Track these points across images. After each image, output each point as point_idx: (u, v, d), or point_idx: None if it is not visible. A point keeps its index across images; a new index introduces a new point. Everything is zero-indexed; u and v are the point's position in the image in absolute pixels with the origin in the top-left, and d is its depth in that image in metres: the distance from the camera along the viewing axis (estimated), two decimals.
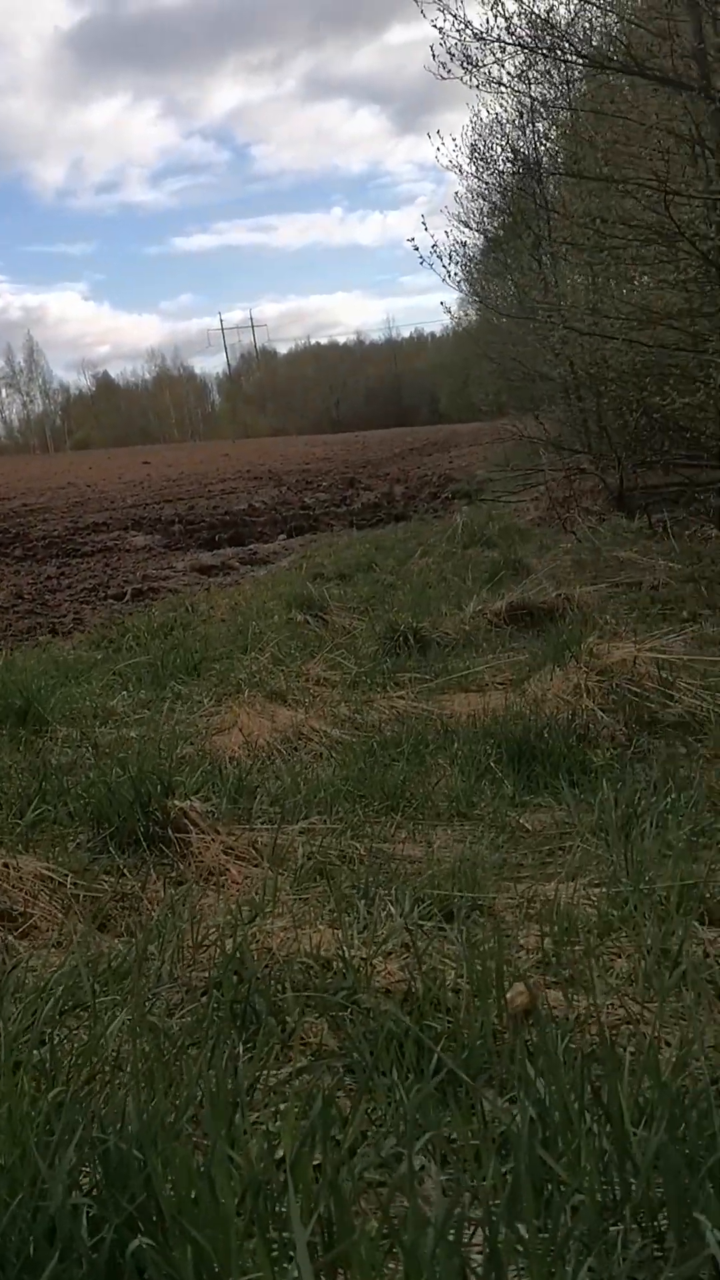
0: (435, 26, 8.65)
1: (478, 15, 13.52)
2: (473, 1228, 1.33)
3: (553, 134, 13.23)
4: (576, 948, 2.57)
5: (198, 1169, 1.35)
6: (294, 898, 2.94)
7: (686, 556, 9.44)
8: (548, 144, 13.68)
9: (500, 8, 8.05)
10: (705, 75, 9.10)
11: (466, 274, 16.74)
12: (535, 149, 14.28)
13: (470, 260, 19.11)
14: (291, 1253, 1.19)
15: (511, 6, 8.21)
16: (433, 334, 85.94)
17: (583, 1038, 2.16)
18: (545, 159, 13.72)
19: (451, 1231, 1.19)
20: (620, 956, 2.53)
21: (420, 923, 2.67)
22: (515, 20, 8.06)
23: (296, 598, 8.49)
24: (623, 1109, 1.56)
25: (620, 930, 2.65)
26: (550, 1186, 1.47)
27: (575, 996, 2.32)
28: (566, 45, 8.03)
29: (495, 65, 8.70)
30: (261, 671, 5.77)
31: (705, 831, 3.37)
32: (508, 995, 2.25)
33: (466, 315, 27.25)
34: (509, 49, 8.27)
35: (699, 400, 9.12)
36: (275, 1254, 1.22)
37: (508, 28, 7.97)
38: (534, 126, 13.81)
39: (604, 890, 2.90)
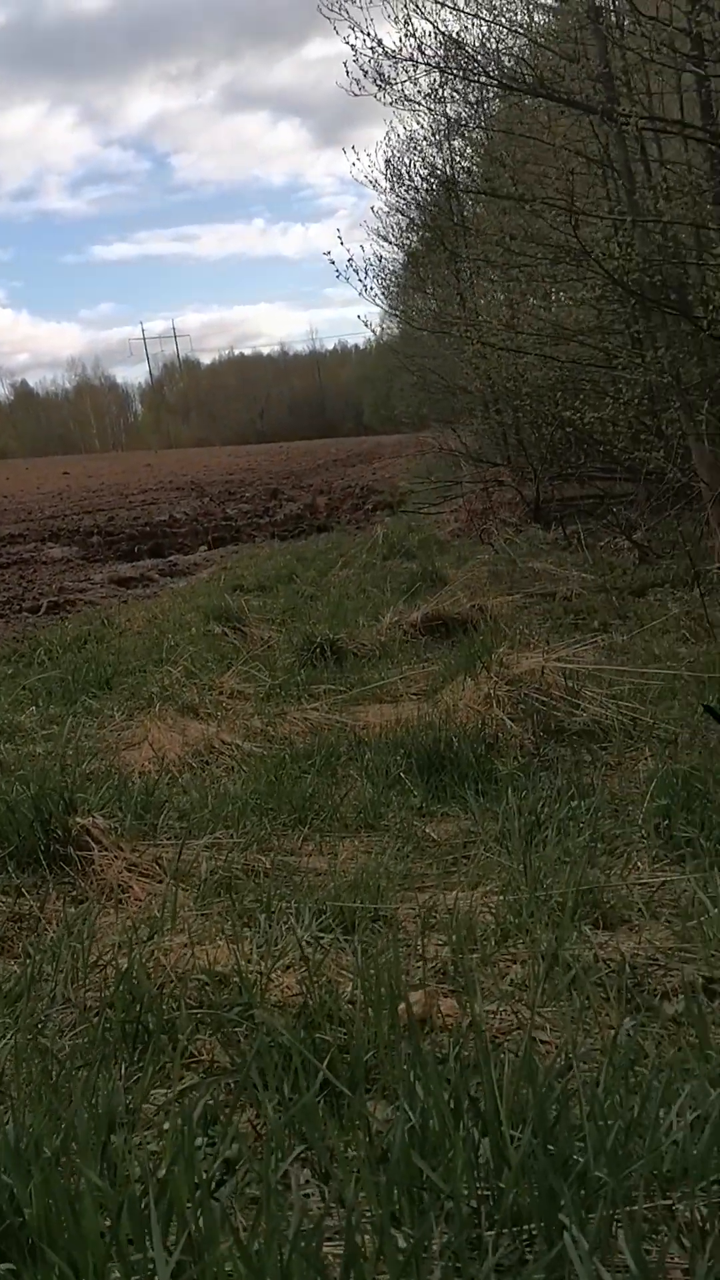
0: (348, 44, 8.74)
1: (391, 33, 13.68)
2: (340, 1238, 1.34)
3: (467, 152, 13.47)
4: (474, 955, 2.61)
5: (69, 1192, 1.33)
6: (196, 913, 2.93)
7: (599, 567, 9.66)
8: (463, 161, 13.91)
9: (410, 27, 8.17)
10: (611, 99, 9.36)
11: (385, 288, 16.89)
12: (451, 166, 14.49)
13: (390, 274, 19.30)
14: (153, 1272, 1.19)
15: (423, 27, 8.34)
16: (356, 346, 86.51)
17: (474, 1044, 2.19)
18: (461, 176, 13.93)
19: (313, 1242, 1.20)
20: (515, 963, 2.58)
21: (320, 935, 2.67)
22: (427, 40, 8.18)
23: (215, 610, 8.45)
24: (500, 1114, 1.59)
25: (517, 937, 2.69)
26: (426, 1194, 1.49)
27: (470, 1004, 2.35)
28: (476, 66, 8.16)
29: (409, 83, 8.82)
30: (174, 685, 5.73)
31: (604, 837, 3.44)
32: (403, 1005, 2.27)
33: (387, 328, 27.51)
34: (421, 68, 8.39)
35: (609, 415, 9.34)
36: (137, 1277, 1.21)
37: (418, 47, 8.09)
38: (450, 144, 14.02)
39: (504, 898, 2.95)
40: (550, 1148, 1.58)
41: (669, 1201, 1.52)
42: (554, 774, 4.21)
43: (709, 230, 8.54)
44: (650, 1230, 1.53)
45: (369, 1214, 1.44)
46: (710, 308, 7.44)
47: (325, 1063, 1.93)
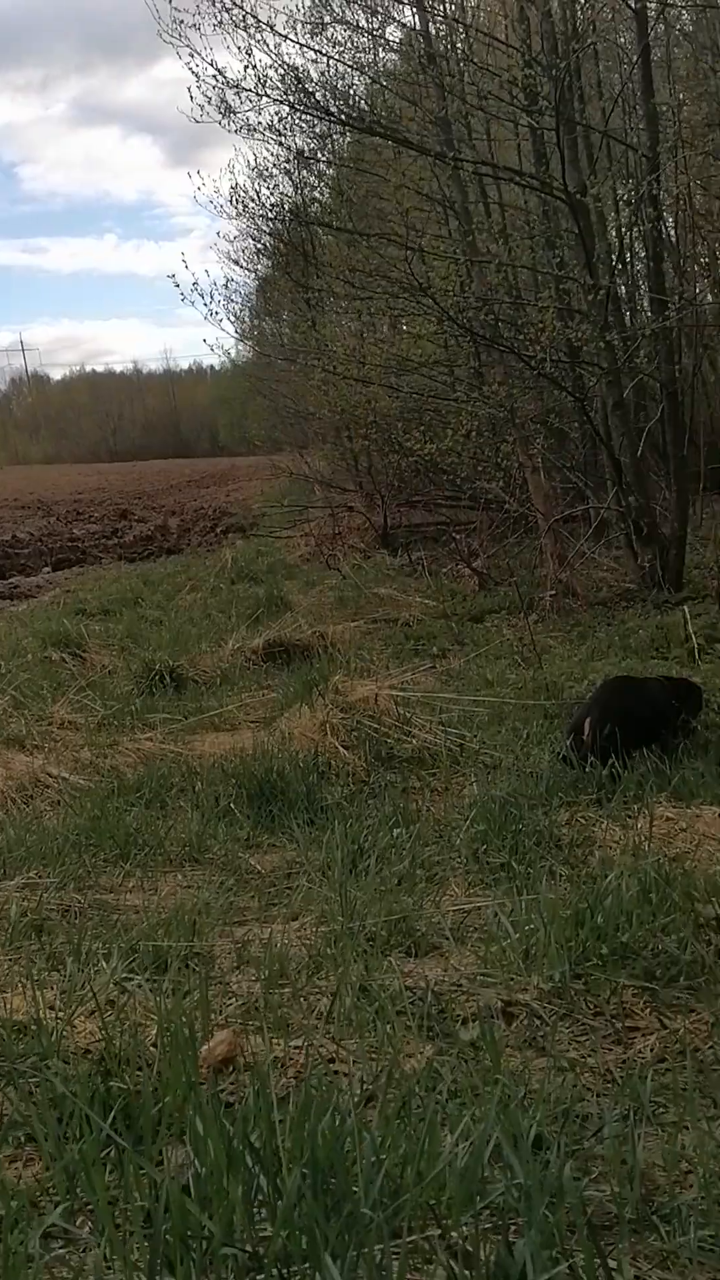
0: (190, 70, 8.76)
1: (234, 63, 13.76)
2: None
3: (316, 183, 13.68)
4: (285, 990, 2.62)
5: None
6: (4, 958, 2.83)
7: (441, 594, 9.90)
8: (312, 192, 14.12)
9: (253, 59, 8.26)
10: (448, 142, 9.72)
11: (231, 311, 16.87)
12: (300, 195, 14.68)
13: (243, 297, 19.34)
14: None
15: (265, 59, 8.45)
16: (211, 367, 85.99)
17: (279, 1081, 2.20)
18: (312, 206, 14.13)
19: None
20: (326, 995, 2.60)
21: (130, 976, 2.63)
22: (269, 73, 8.29)
23: (53, 635, 8.22)
24: (281, 1155, 1.60)
25: (329, 969, 2.72)
26: (205, 1242, 1.49)
27: (277, 1040, 2.36)
28: (315, 103, 8.32)
29: (253, 113, 8.90)
30: (1, 715, 5.53)
31: (424, 864, 3.52)
32: (205, 1046, 2.26)
33: (242, 351, 27.52)
34: (264, 99, 8.49)
35: (448, 445, 9.62)
36: None
37: (260, 80, 8.19)
38: (299, 173, 14.20)
39: (320, 929, 2.98)
40: (332, 1181, 1.61)
41: (440, 1231, 1.57)
42: (382, 801, 4.29)
43: (540, 273, 8.96)
44: (424, 1260, 1.58)
45: (142, 1266, 1.43)
46: (538, 347, 7.79)
47: (117, 1111, 1.91)
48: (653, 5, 7.76)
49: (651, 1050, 2.38)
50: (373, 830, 3.80)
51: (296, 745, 4.96)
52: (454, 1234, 1.62)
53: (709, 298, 16.66)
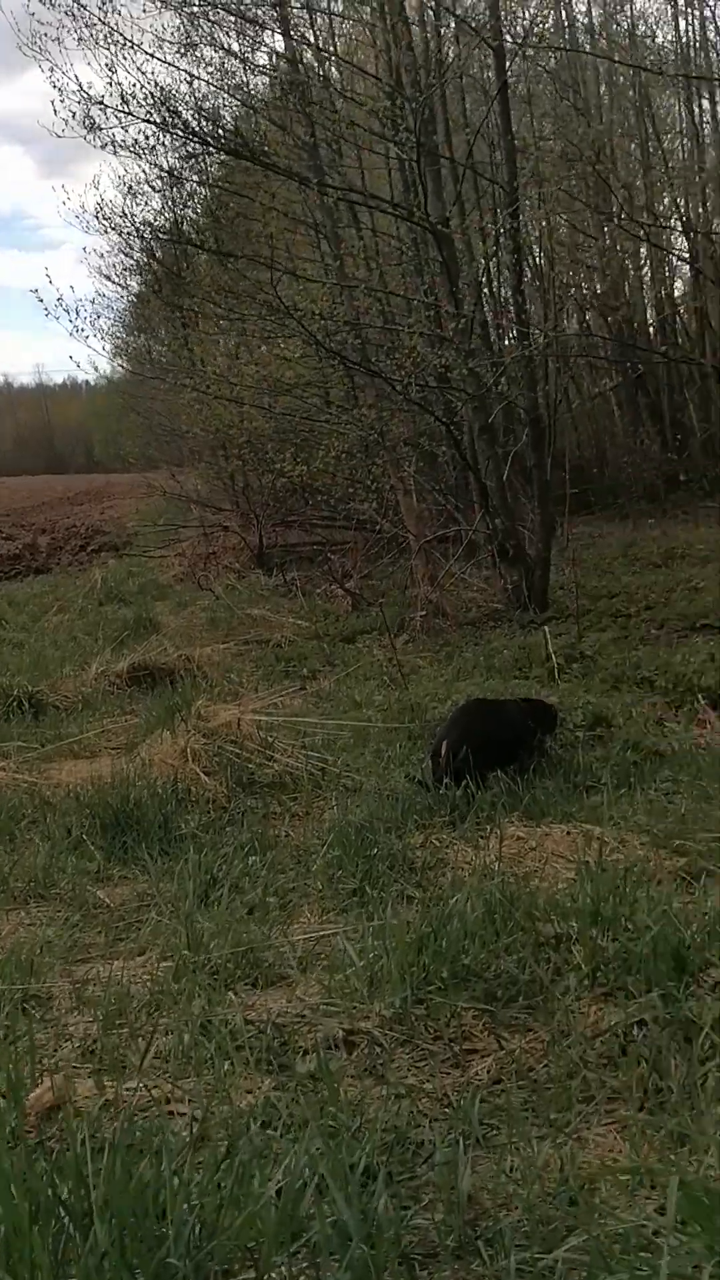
0: (54, 85, 8.60)
1: (99, 80, 13.59)
2: None
3: (186, 201, 13.60)
4: (124, 1030, 2.56)
5: None
6: None
7: (314, 614, 9.93)
8: (184, 210, 14.04)
9: (116, 76, 8.17)
10: (317, 167, 9.82)
11: (101, 328, 16.61)
12: (174, 212, 14.58)
13: (115, 313, 19.06)
14: None
15: (130, 78, 8.37)
16: (86, 381, 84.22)
17: (110, 1125, 2.14)
18: (184, 225, 14.04)
19: None
20: (167, 1033, 2.55)
21: None
22: (135, 92, 8.21)
23: None
24: (93, 1208, 1.56)
25: (171, 1005, 2.67)
26: None
27: (110, 1083, 2.30)
28: (182, 123, 8.29)
29: (119, 130, 8.79)
30: None
31: (279, 892, 3.50)
32: (33, 1093, 2.18)
33: (114, 367, 27.06)
34: (130, 117, 8.40)
35: (317, 467, 9.68)
36: None
37: (124, 98, 8.11)
38: (171, 191, 14.11)
39: (167, 964, 2.92)
40: (147, 1227, 1.57)
41: (255, 1273, 1.55)
42: (240, 828, 4.25)
43: (407, 299, 9.12)
44: None
45: None
46: (404, 372, 7.93)
47: None
48: (510, 43, 8.03)
49: (488, 1072, 2.41)
50: (228, 859, 3.76)
51: (156, 772, 4.87)
52: (270, 1275, 1.60)
53: (574, 327, 17.29)
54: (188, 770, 4.89)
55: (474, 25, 8.27)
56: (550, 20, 14.39)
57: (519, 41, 7.92)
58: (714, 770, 4.80)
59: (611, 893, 3.10)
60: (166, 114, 8.03)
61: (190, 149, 11.04)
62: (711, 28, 16.76)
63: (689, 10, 17.63)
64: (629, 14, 18.85)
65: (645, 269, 18.85)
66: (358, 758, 5.13)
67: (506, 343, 12.46)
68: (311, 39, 10.60)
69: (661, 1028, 2.49)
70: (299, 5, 10.78)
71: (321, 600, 10.67)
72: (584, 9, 27.50)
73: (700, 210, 17.40)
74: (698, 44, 17.76)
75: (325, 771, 4.88)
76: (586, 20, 18.98)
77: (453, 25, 8.75)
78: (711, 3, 16.14)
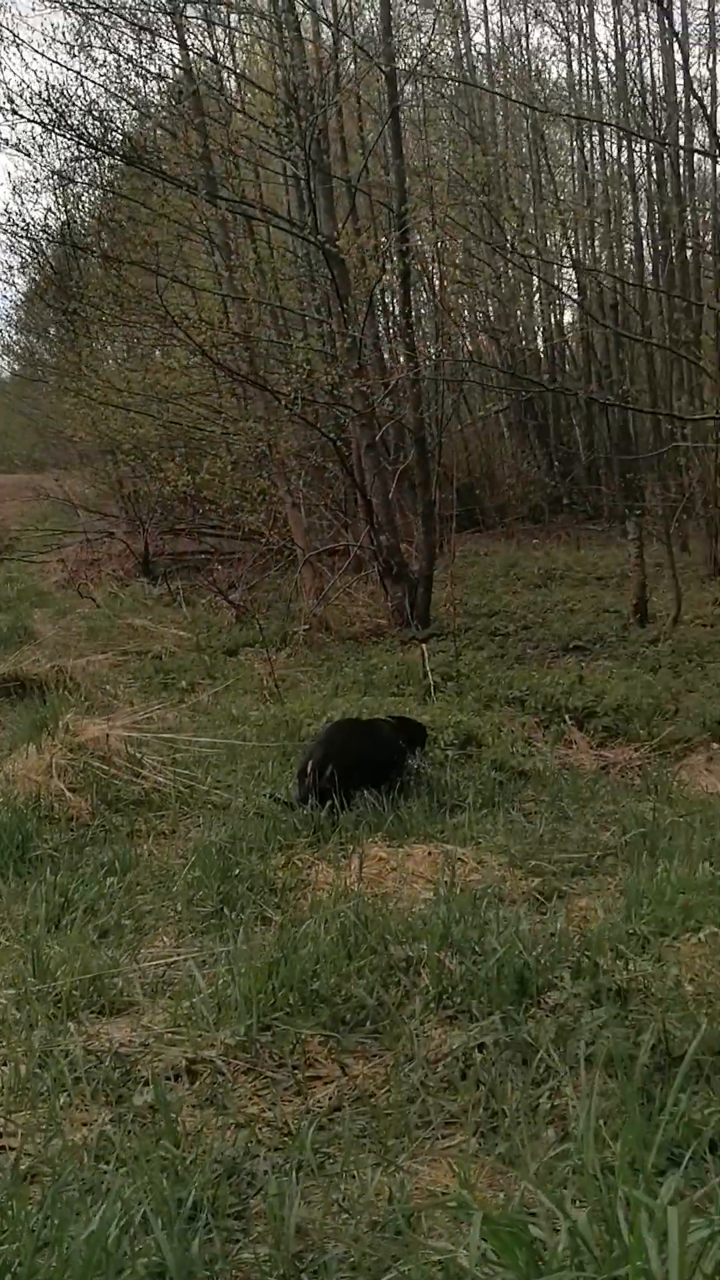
0: None
1: None
2: None
3: (74, 202, 13.35)
4: None
5: None
6: None
7: (197, 625, 9.83)
8: (75, 211, 13.78)
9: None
10: (211, 178, 9.77)
11: None
12: (65, 212, 14.29)
13: (1, 311, 18.52)
14: None
15: (14, 78, 8.16)
16: None
17: None
18: (73, 226, 13.78)
19: None
20: (4, 1064, 2.48)
21: None
22: (17, 89, 8.02)
23: None
24: None
25: (11, 1034, 2.60)
26: None
27: None
28: (70, 125, 8.15)
29: (5, 128, 8.57)
30: None
31: (134, 914, 3.45)
32: None
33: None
34: (14, 117, 8.20)
35: (204, 477, 9.60)
36: None
37: (9, 96, 7.91)
38: (61, 191, 13.82)
39: (8, 991, 2.84)
40: None
41: None
42: (102, 847, 4.17)
43: (297, 314, 9.15)
44: None
45: None
46: (290, 387, 7.95)
47: None
48: (402, 69, 8.16)
49: (329, 1099, 2.42)
50: (85, 880, 3.68)
51: (18, 789, 4.75)
52: None
53: (465, 350, 17.62)
54: (52, 787, 4.78)
55: (366, 48, 8.38)
56: (447, 48, 14.70)
57: (410, 68, 8.05)
58: (574, 791, 4.96)
59: (464, 915, 3.16)
60: (54, 114, 7.88)
61: (79, 151, 10.87)
62: (603, 69, 17.40)
63: (582, 51, 18.28)
64: (524, 49, 19.43)
65: (536, 297, 19.38)
66: (229, 775, 5.10)
67: (401, 361, 12.63)
68: (210, 49, 10.57)
69: (501, 1050, 2.55)
70: (196, 16, 10.74)
71: (206, 611, 10.58)
72: (482, 39, 28.15)
73: (588, 246, 18.01)
74: (590, 84, 18.40)
75: (194, 789, 4.83)
76: (484, 51, 19.48)
77: (346, 47, 8.84)
78: (606, 47, 16.72)
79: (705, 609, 9.83)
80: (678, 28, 14.21)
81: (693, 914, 3.24)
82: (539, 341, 20.57)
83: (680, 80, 14.30)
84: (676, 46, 12.10)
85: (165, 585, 11.89)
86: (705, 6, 18.33)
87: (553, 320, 20.65)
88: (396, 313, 12.75)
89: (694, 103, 10.54)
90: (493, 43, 20.12)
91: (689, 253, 15.99)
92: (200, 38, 10.59)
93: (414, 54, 8.64)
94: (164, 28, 10.13)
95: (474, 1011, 2.71)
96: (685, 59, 17.27)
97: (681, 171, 15.59)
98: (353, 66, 10.10)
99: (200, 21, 11.09)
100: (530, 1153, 2.15)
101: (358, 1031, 2.67)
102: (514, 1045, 2.56)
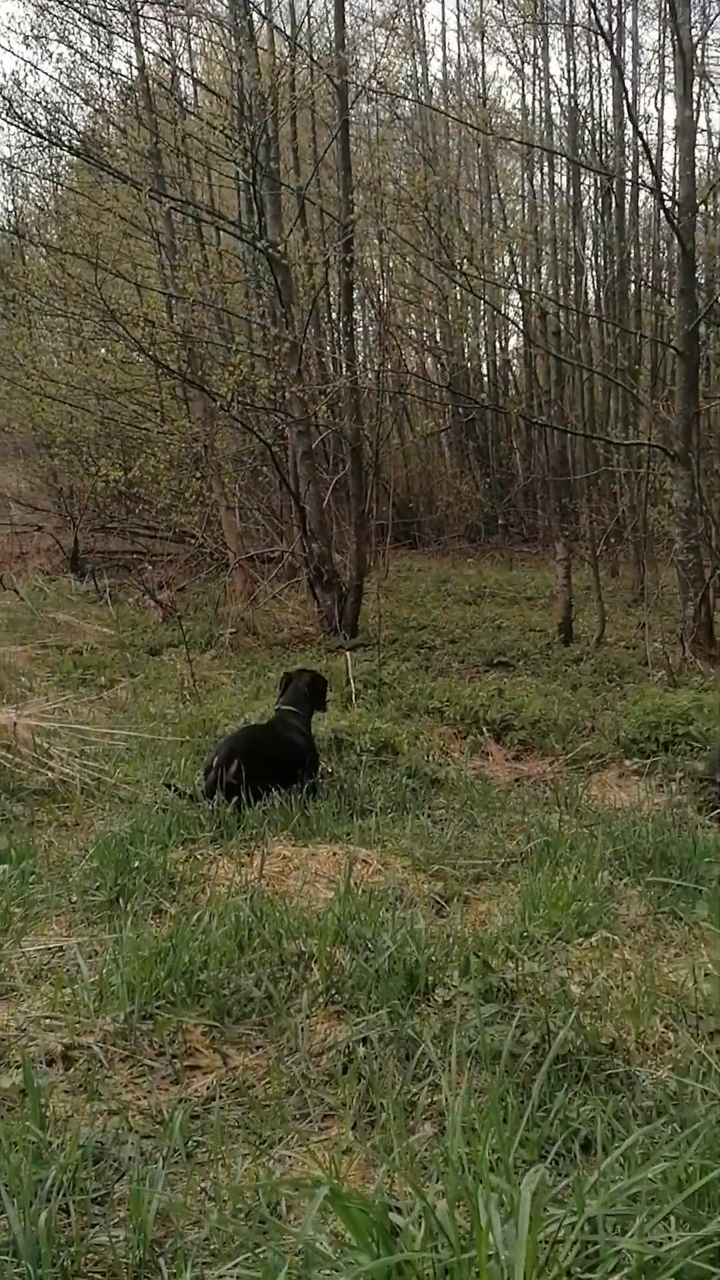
0: None
1: None
2: None
3: (21, 191, 13.18)
4: None
5: None
6: None
7: (122, 623, 9.71)
8: (21, 199, 13.59)
9: None
10: (160, 177, 9.73)
11: None
12: (10, 201, 14.08)
13: None
14: None
15: None
16: None
17: None
18: (17, 214, 13.57)
19: None
20: None
21: None
22: None
23: None
24: None
25: None
26: None
27: None
28: (17, 114, 8.04)
29: None
30: None
31: (25, 903, 3.37)
32: None
33: None
34: None
35: (135, 474, 9.50)
36: None
37: None
38: (13, 180, 13.63)
39: None
40: None
41: None
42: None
43: (238, 317, 9.13)
44: None
45: None
46: (226, 388, 7.92)
47: None
48: (354, 83, 8.23)
49: (208, 1089, 2.39)
50: None
51: None
52: None
53: (411, 366, 17.77)
54: None
55: (319, 60, 8.43)
56: (405, 70, 14.88)
57: (362, 84, 8.12)
58: (485, 800, 4.99)
59: (360, 912, 3.16)
60: (3, 102, 7.77)
61: (27, 140, 10.73)
62: (555, 100, 17.77)
63: (535, 81, 18.65)
64: (480, 78, 19.77)
65: (483, 319, 19.64)
66: (138, 770, 5.03)
67: (341, 370, 12.69)
68: (165, 51, 10.53)
69: (385, 1045, 2.54)
70: (155, 16, 10.71)
71: (133, 610, 10.46)
72: (440, 63, 28.54)
73: (534, 274, 18.34)
74: (543, 116, 18.77)
75: (101, 782, 4.75)
76: (440, 76, 19.77)
77: (301, 59, 8.89)
78: (559, 79, 17.08)
79: (629, 631, 10.00)
80: (623, 65, 14.60)
81: (586, 919, 3.28)
82: (482, 365, 20.86)
83: (617, 113, 14.67)
84: (625, 83, 12.40)
85: (93, 582, 11.72)
86: (656, 45, 18.83)
87: (497, 345, 20.96)
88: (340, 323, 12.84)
89: (638, 139, 10.82)
90: (450, 69, 20.43)
91: (632, 286, 16.39)
92: (158, 40, 10.55)
93: (367, 70, 8.72)
94: (121, 26, 10.08)
95: (362, 1007, 2.70)
96: (632, 95, 17.74)
97: (626, 205, 15.97)
98: (309, 77, 10.16)
99: (159, 23, 11.08)
100: (403, 1145, 2.14)
101: (243, 1023, 2.64)
102: (398, 1040, 2.56)
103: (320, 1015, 2.70)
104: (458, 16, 30.21)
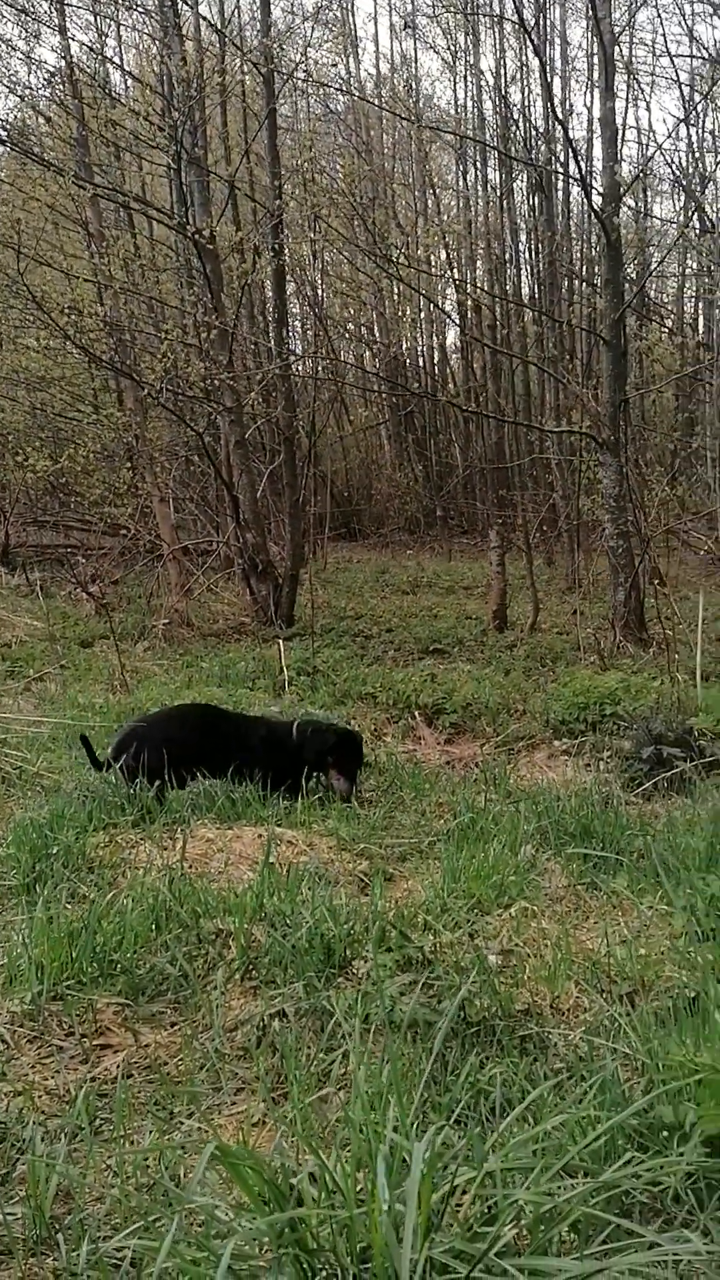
0: None
1: None
2: None
3: None
4: None
5: None
6: None
7: (54, 616, 9.56)
8: None
9: None
10: (86, 164, 9.58)
11: None
12: None
13: None
14: None
15: None
16: None
17: None
18: None
19: None
20: None
21: None
22: None
23: None
24: None
25: None
26: None
27: None
28: None
29: None
30: None
31: None
32: None
33: None
34: None
35: (64, 464, 9.36)
36: None
37: None
38: None
39: None
40: None
41: None
42: None
43: (168, 306, 9.03)
44: None
45: None
46: (155, 376, 7.83)
47: None
48: (280, 71, 8.18)
49: (119, 1067, 2.36)
50: None
51: None
52: None
53: (339, 355, 17.76)
54: None
55: (243, 49, 8.37)
56: (335, 63, 14.85)
57: (288, 73, 8.08)
58: (415, 782, 5.00)
59: (280, 889, 3.14)
60: None
61: None
62: (487, 97, 17.87)
63: (467, 78, 18.75)
64: (413, 73, 19.83)
65: (421, 313, 19.71)
66: (61, 758, 4.95)
67: (275, 358, 12.64)
68: (93, 40, 10.37)
69: (300, 1018, 2.53)
70: (82, 6, 10.56)
71: (65, 603, 10.31)
72: (372, 58, 28.54)
73: (471, 267, 18.44)
74: (475, 110, 18.88)
75: (24, 771, 4.67)
76: (374, 70, 19.78)
77: (228, 48, 8.82)
78: (491, 78, 17.20)
79: (563, 618, 10.12)
80: (548, 58, 14.74)
81: (507, 891, 3.31)
82: (420, 359, 20.93)
83: (546, 108, 14.81)
84: (549, 75, 12.51)
85: (24, 575, 11.52)
86: (583, 44, 19.04)
87: (435, 339, 21.06)
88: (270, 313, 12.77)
89: (562, 130, 10.91)
90: (383, 65, 20.45)
91: (566, 281, 16.56)
92: (85, 30, 10.38)
93: (294, 59, 8.67)
94: (47, 15, 9.90)
95: (279, 982, 2.69)
96: (561, 90, 17.92)
97: (557, 199, 16.13)
98: (239, 68, 10.08)
99: (87, 13, 10.92)
100: (305, 1111, 2.14)
101: (156, 1001, 2.61)
102: (314, 1013, 2.55)
103: (236, 991, 2.68)
104: (389, 14, 30.25)
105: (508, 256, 17.38)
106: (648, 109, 39.18)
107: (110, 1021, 2.52)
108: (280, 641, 7.64)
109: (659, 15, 27.90)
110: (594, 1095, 1.90)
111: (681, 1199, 1.86)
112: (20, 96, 9.65)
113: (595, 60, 12.80)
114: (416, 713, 6.33)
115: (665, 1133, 1.95)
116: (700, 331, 19.00)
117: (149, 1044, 2.44)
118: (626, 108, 18.46)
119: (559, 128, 13.23)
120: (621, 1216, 1.75)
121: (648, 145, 18.35)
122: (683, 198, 17.15)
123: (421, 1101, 2.17)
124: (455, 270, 17.27)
